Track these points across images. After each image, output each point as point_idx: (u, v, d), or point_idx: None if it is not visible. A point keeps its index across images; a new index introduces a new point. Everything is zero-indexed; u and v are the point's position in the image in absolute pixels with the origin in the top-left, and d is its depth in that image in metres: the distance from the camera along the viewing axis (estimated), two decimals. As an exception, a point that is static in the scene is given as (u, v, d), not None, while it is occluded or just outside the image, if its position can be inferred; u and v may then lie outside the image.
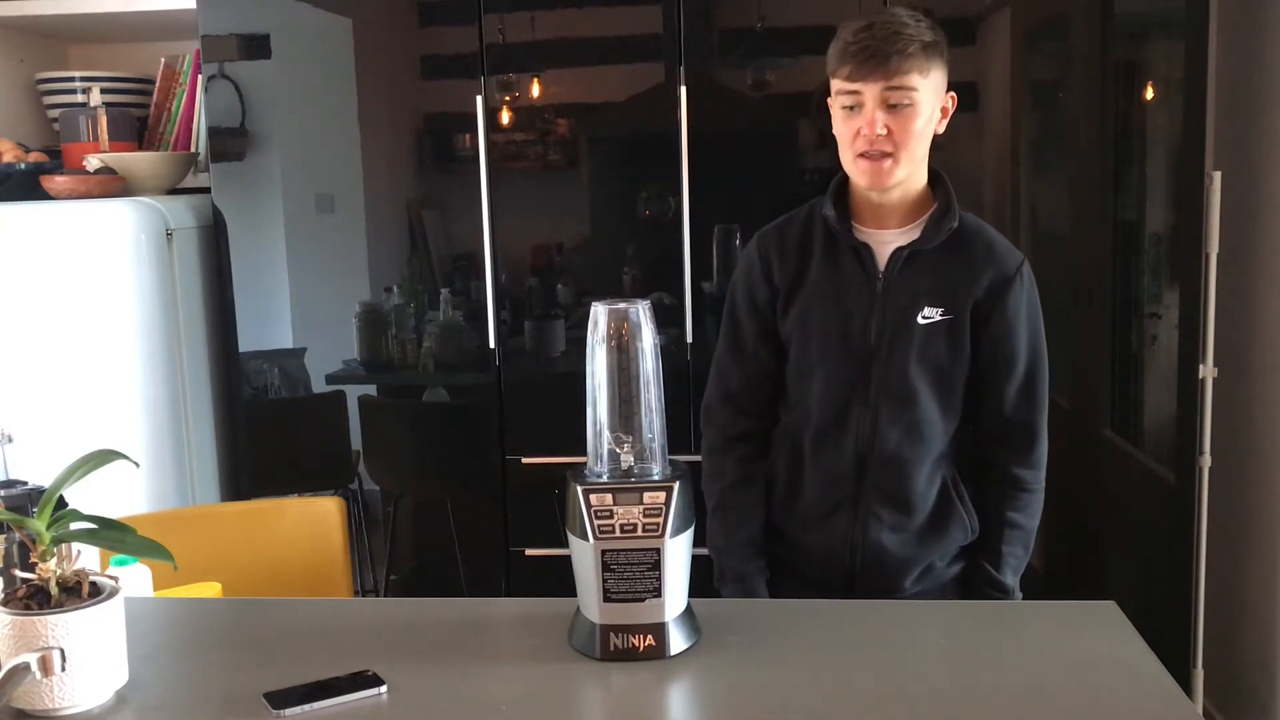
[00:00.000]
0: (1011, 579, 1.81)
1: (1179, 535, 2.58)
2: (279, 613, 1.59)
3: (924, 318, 1.74)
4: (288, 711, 1.24)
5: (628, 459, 1.36)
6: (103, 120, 2.89)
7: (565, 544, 1.38)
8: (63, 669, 1.19)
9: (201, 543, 2.07)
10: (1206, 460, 2.58)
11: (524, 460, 2.68)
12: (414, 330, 2.72)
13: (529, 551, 2.71)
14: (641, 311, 1.38)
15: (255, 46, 2.68)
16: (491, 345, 2.66)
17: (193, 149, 3.02)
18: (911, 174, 1.73)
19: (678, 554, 1.36)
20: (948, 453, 1.80)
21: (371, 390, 2.80)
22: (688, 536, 1.37)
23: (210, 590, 1.75)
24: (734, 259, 2.55)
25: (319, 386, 2.78)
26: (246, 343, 2.77)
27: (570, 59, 2.60)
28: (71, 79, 3.08)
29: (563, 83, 2.61)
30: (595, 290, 2.66)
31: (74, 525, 1.27)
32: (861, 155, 1.70)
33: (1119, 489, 2.63)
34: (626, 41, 2.58)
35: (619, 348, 1.37)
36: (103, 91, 3.03)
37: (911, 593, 1.80)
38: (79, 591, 1.25)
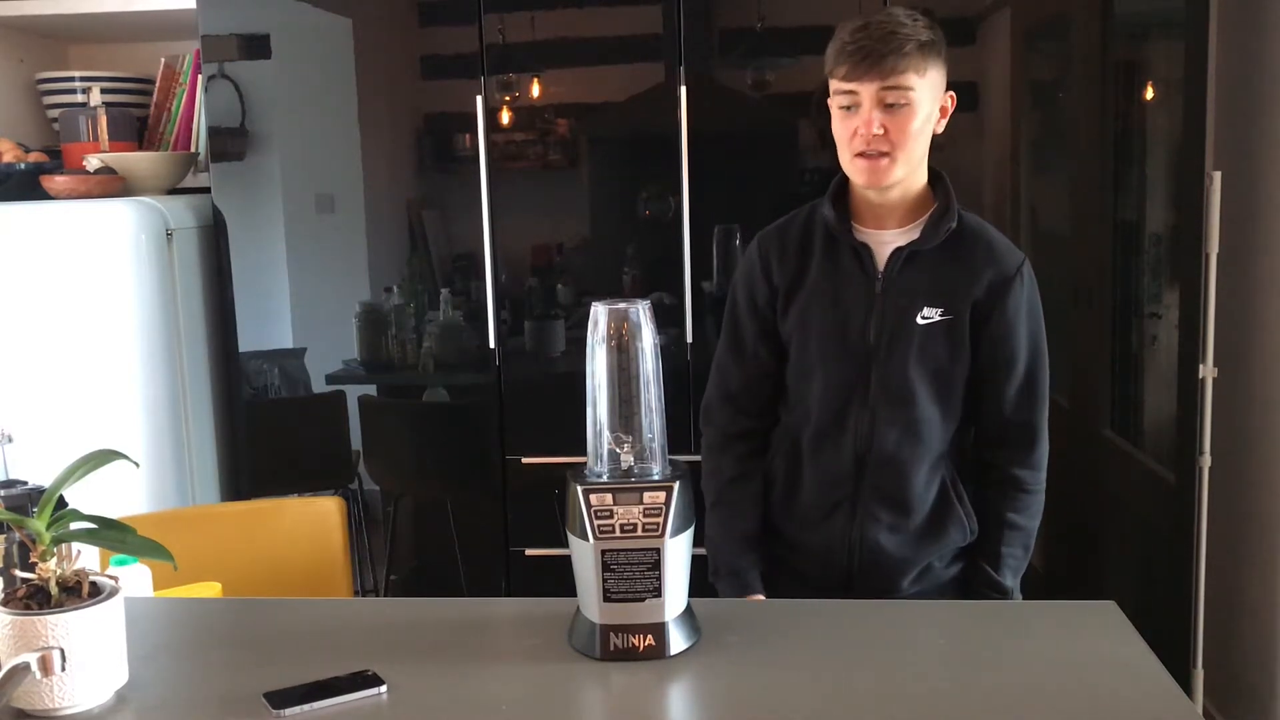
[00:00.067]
0: (1011, 580, 1.81)
1: (1179, 535, 2.58)
2: (279, 613, 1.59)
3: (923, 318, 1.74)
4: (288, 711, 1.24)
5: (628, 459, 1.36)
6: (103, 120, 2.89)
7: (565, 544, 1.38)
8: (63, 669, 1.19)
9: (201, 543, 2.07)
10: (1206, 460, 2.58)
11: (524, 460, 2.68)
12: (414, 330, 2.72)
13: (529, 551, 2.71)
14: (641, 311, 1.38)
15: (255, 46, 2.68)
16: (491, 345, 2.66)
17: (193, 149, 3.02)
18: (910, 174, 1.73)
19: (678, 554, 1.36)
20: (947, 453, 1.80)
21: (371, 390, 2.80)
22: (688, 536, 1.37)
23: (210, 590, 1.75)
24: (734, 259, 2.55)
25: (319, 386, 2.78)
26: (246, 343, 2.77)
27: (570, 59, 2.60)
28: (71, 79, 3.08)
29: (563, 83, 2.61)
30: (595, 290, 2.66)
31: (74, 525, 1.27)
32: (859, 155, 1.70)
33: (1119, 489, 2.63)
34: (626, 41, 2.58)
35: (619, 348, 1.37)
36: (103, 91, 3.03)
37: (910, 593, 1.80)
38: (79, 591, 1.25)
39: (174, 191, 2.94)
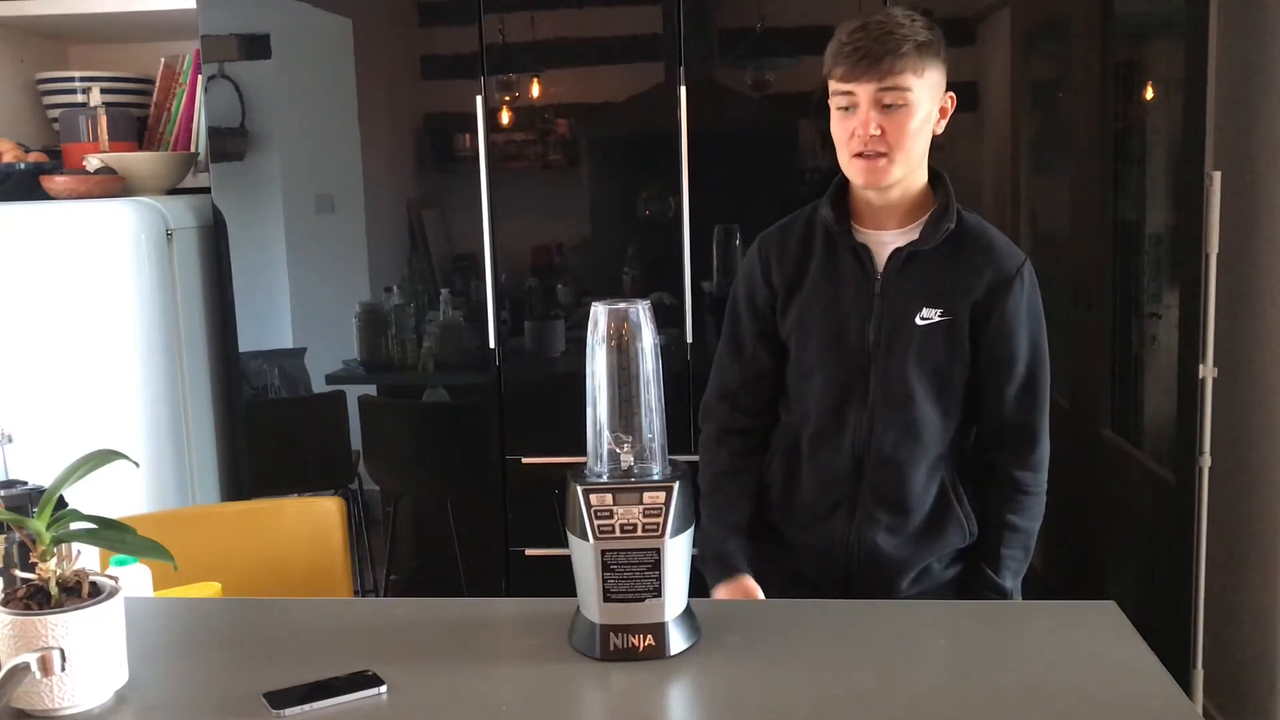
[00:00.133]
0: (1011, 582, 1.80)
1: (1179, 535, 2.58)
2: (279, 613, 1.59)
3: (922, 319, 1.74)
4: (288, 711, 1.24)
5: (628, 459, 1.36)
6: (103, 120, 2.89)
7: (565, 544, 1.38)
8: (63, 669, 1.19)
9: (201, 543, 2.07)
10: (1206, 460, 2.58)
11: (524, 460, 2.68)
12: (414, 330, 2.72)
13: (529, 551, 2.71)
14: (641, 311, 1.38)
15: (255, 46, 2.68)
16: (491, 345, 2.66)
17: (193, 149, 3.02)
18: (910, 174, 1.73)
19: (677, 554, 1.36)
20: (947, 454, 1.80)
21: (371, 390, 2.80)
22: (688, 536, 1.37)
23: (210, 590, 1.75)
24: (734, 259, 2.55)
25: (319, 386, 2.78)
26: (246, 343, 2.77)
27: (570, 59, 2.60)
28: (71, 79, 3.08)
29: (563, 83, 2.61)
30: (595, 290, 2.66)
31: (74, 525, 1.27)
32: (857, 155, 1.70)
33: (1119, 489, 2.63)
34: (626, 42, 2.58)
35: (619, 348, 1.37)
36: (103, 91, 3.03)
37: (908, 594, 1.80)
38: (79, 591, 1.25)
39: (174, 191, 2.94)
